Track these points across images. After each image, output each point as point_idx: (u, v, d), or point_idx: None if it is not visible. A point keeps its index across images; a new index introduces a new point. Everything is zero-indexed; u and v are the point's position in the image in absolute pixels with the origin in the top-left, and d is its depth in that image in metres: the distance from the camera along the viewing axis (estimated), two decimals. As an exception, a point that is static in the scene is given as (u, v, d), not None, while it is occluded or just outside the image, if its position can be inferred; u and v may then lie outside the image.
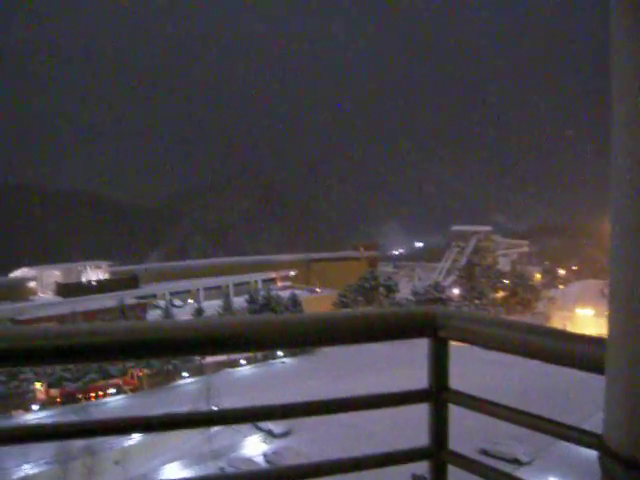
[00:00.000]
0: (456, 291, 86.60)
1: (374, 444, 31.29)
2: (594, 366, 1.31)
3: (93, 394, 51.67)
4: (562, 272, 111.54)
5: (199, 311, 65.32)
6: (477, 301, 79.71)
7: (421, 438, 1.90)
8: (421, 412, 1.91)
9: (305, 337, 1.74)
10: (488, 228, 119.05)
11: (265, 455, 35.95)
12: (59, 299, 73.08)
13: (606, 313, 1.01)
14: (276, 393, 42.63)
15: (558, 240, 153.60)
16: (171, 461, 36.73)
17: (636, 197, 0.92)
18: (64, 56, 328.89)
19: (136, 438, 37.70)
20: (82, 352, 1.48)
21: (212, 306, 68.17)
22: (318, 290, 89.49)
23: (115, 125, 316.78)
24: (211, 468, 34.15)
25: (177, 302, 78.59)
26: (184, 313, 68.19)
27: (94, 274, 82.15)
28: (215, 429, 35.91)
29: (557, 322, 70.19)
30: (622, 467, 0.95)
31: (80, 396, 50.91)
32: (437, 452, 1.85)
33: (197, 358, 55.46)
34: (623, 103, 0.94)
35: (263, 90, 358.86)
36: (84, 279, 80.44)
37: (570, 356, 1.47)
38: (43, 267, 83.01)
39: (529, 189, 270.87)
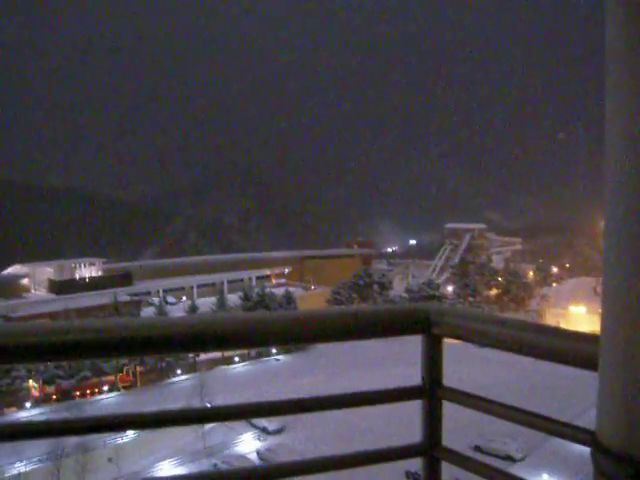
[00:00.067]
0: (450, 288, 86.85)
1: (368, 441, 31.38)
2: (587, 363, 1.31)
3: (89, 391, 51.64)
4: (555, 270, 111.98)
5: (193, 308, 65.25)
6: (471, 298, 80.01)
7: (414, 435, 1.90)
8: (415, 409, 1.91)
9: (299, 334, 1.74)
10: (482, 226, 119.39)
11: (259, 452, 36.00)
12: (52, 296, 72.83)
13: (599, 310, 1.02)
14: (270, 390, 42.71)
15: (552, 238, 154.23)
16: (165, 458, 36.73)
17: (629, 195, 0.92)
18: (58, 53, 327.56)
19: (130, 435, 37.69)
20: (75, 349, 1.48)
21: (206, 303, 68.13)
22: (312, 287, 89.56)
23: (110, 122, 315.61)
24: (205, 465, 34.18)
25: (171, 299, 78.50)
26: (178, 310, 68.07)
27: (87, 271, 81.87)
28: (209, 426, 35.93)
29: (550, 319, 70.59)
30: (614, 463, 0.95)
31: (78, 393, 50.88)
32: (430, 449, 1.85)
33: (191, 355, 55.41)
34: (617, 102, 0.95)
35: (259, 88, 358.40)
36: (77, 276, 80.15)
37: (563, 353, 1.47)
38: (36, 264, 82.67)
39: (523, 187, 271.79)
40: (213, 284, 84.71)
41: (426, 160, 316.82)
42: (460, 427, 21.72)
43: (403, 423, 16.74)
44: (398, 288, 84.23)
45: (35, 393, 50.97)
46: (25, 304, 68.88)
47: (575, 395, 33.61)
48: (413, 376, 1.89)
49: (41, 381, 50.19)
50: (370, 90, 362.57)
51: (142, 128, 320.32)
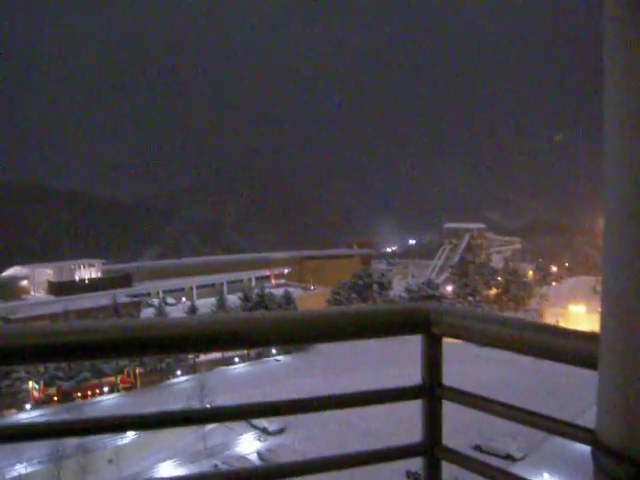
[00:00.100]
0: (449, 288, 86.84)
1: (368, 441, 31.39)
2: (587, 362, 1.31)
3: (90, 392, 51.65)
4: (555, 269, 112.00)
5: (193, 309, 65.22)
6: (470, 298, 79.99)
7: (415, 435, 1.90)
8: (415, 409, 1.91)
9: (298, 334, 1.73)
10: (481, 225, 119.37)
11: (259, 453, 35.98)
12: (52, 298, 72.74)
13: (598, 309, 1.02)
14: (270, 390, 42.71)
15: (551, 237, 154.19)
16: (165, 459, 36.69)
17: (629, 195, 0.93)
18: (57, 55, 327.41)
19: (130, 437, 37.67)
20: (75, 350, 1.47)
21: (206, 304, 68.09)
22: (312, 287, 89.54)
23: (109, 124, 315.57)
24: (205, 466, 34.16)
25: (171, 300, 78.47)
26: (178, 311, 68.02)
27: (87, 272, 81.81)
28: (209, 427, 35.91)
29: (550, 318, 70.57)
30: (615, 461, 0.95)
31: (80, 394, 50.89)
32: (431, 448, 1.85)
33: (191, 356, 55.39)
34: (614, 102, 0.95)
35: (259, 90, 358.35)
36: (77, 277, 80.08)
37: (563, 352, 1.47)
38: (35, 266, 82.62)
39: (522, 186, 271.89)
40: (213, 285, 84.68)
41: (426, 160, 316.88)
42: (460, 427, 21.75)
43: (403, 423, 16.74)
44: (397, 288, 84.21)
45: (36, 395, 50.94)
46: (25, 306, 68.80)
47: (575, 394, 33.63)
48: (413, 376, 1.89)
49: (42, 382, 50.16)
50: (370, 90, 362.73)
51: (142, 129, 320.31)
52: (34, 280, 79.16)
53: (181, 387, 49.09)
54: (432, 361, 1.84)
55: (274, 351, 58.80)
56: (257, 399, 1.85)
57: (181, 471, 34.07)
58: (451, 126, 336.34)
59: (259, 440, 38.02)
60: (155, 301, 73.97)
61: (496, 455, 31.73)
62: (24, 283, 78.90)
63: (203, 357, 56.85)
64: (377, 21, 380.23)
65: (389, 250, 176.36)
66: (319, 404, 1.80)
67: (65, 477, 32.82)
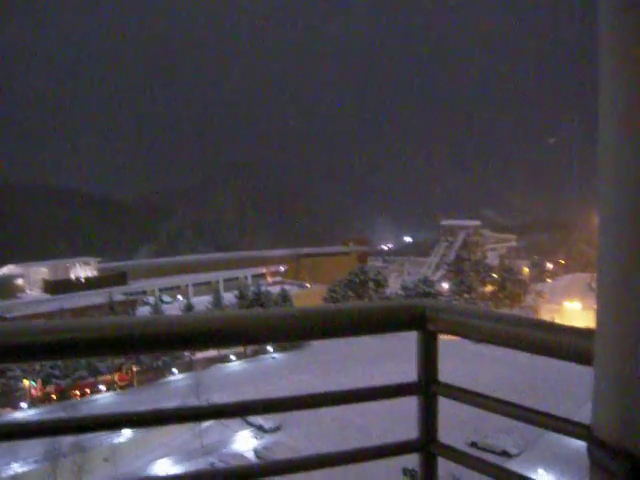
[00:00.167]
0: (445, 285, 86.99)
1: (364, 438, 31.48)
2: (582, 358, 1.32)
3: (88, 390, 51.68)
4: (550, 266, 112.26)
5: (189, 307, 65.19)
6: (466, 295, 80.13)
7: (411, 431, 1.91)
8: (411, 405, 1.91)
9: (295, 331, 1.74)
10: (477, 223, 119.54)
11: (256, 450, 36.00)
12: (47, 296, 72.60)
13: (594, 306, 1.02)
14: (267, 388, 42.75)
15: (546, 234, 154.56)
16: (161, 457, 36.70)
17: (624, 191, 0.93)
18: (51, 54, 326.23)
19: (126, 435, 37.66)
20: (70, 348, 1.47)
21: (202, 302, 68.02)
22: (308, 285, 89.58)
23: (105, 121, 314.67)
24: (201, 464, 34.16)
25: (166, 298, 78.40)
26: (174, 309, 67.99)
27: (82, 271, 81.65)
28: (205, 425, 35.91)
29: (545, 315, 70.74)
30: (610, 456, 0.95)
31: (77, 392, 50.88)
32: (427, 445, 1.86)
33: (187, 354, 55.39)
34: (610, 99, 0.95)
35: (255, 87, 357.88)
36: (72, 276, 79.91)
37: (559, 348, 1.48)
38: (30, 264, 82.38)
39: (518, 183, 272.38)
40: (209, 283, 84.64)
41: (421, 157, 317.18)
42: (456, 423, 21.81)
43: (399, 420, 16.78)
44: (393, 285, 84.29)
45: (34, 393, 50.89)
46: (20, 304, 68.65)
47: (571, 390, 33.77)
48: (409, 372, 1.89)
49: (40, 381, 50.10)
50: (365, 88, 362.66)
51: (137, 127, 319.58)
52: (29, 279, 78.96)
53: (177, 385, 49.07)
54: (428, 358, 1.85)
55: (270, 348, 58.82)
56: (253, 396, 1.85)
57: (177, 469, 34.08)
58: (447, 124, 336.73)
59: (255, 438, 38.04)
60: (151, 299, 73.92)
61: (492, 451, 31.84)
62: (19, 281, 78.67)
63: (199, 355, 56.86)
64: (371, 16, 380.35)
65: (385, 247, 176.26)
66: (315, 401, 1.80)
67: (61, 476, 32.78)
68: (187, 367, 56.18)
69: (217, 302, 66.09)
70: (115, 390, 52.86)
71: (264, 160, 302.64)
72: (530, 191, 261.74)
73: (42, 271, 79.91)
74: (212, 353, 56.97)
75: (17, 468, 34.24)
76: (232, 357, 58.48)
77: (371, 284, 78.74)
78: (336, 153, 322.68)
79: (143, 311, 66.11)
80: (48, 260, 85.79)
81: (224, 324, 1.63)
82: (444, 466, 1.91)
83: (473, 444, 32.62)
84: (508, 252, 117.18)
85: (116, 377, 53.96)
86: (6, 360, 1.58)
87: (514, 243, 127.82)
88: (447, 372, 2.05)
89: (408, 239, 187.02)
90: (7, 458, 33.96)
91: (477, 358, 48.87)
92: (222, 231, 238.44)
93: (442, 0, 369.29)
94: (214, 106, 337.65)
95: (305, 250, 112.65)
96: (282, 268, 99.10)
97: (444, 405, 1.89)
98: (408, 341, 1.94)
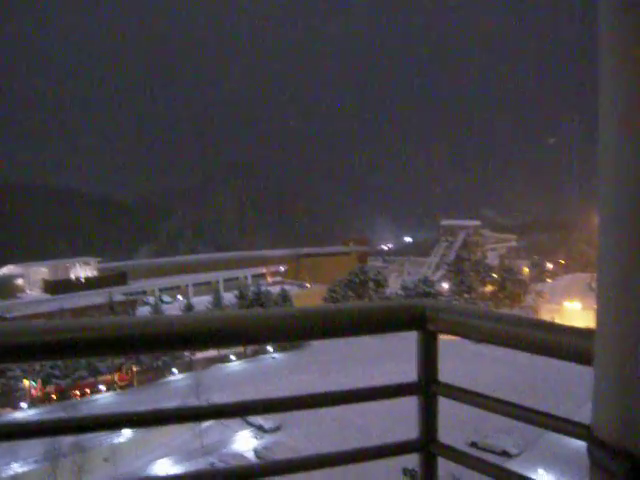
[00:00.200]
0: (445, 285, 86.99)
1: (364, 438, 31.48)
2: (582, 358, 1.32)
3: (89, 390, 51.72)
4: (550, 266, 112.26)
5: (189, 307, 65.19)
6: (466, 295, 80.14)
7: (411, 431, 1.91)
8: (411, 405, 1.91)
9: (295, 331, 1.74)
10: (477, 223, 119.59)
11: (256, 450, 36.00)
12: (47, 296, 72.60)
13: (594, 306, 1.02)
14: (267, 388, 42.75)
15: (546, 234, 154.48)
16: (161, 457, 36.70)
17: (624, 191, 0.93)
18: (51, 55, 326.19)
19: (126, 435, 37.65)
20: (70, 348, 1.48)
21: (202, 302, 68.02)
22: (308, 285, 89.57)
23: (105, 121, 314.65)
24: (202, 464, 34.16)
25: (166, 298, 78.39)
26: (174, 309, 67.98)
27: (82, 271, 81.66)
28: (205, 425, 35.91)
29: (545, 315, 70.74)
30: (610, 456, 0.95)
31: (78, 392, 50.91)
32: (427, 445, 1.85)
33: (187, 354, 55.38)
34: (610, 99, 0.95)
35: (254, 87, 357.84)
36: (72, 276, 79.91)
37: (559, 348, 1.48)
38: (30, 264, 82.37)
39: (518, 184, 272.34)
40: (209, 283, 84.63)
41: (421, 157, 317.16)
42: (456, 423, 21.80)
43: (400, 419, 16.78)
44: (394, 285, 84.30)
45: (35, 392, 50.91)
46: (20, 304, 68.65)
47: (571, 390, 33.76)
48: (409, 372, 1.89)
49: (41, 381, 50.12)
50: (365, 88, 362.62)
51: (136, 127, 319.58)
52: (29, 279, 78.96)
53: (177, 385, 49.07)
54: (428, 358, 1.85)
55: (270, 348, 58.82)
56: (253, 396, 1.85)
57: (177, 469, 34.07)
58: (446, 123, 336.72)
59: (255, 438, 38.04)
60: (151, 299, 73.90)
61: (492, 451, 31.84)
62: (19, 282, 78.68)
63: (199, 355, 56.85)
64: (371, 16, 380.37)
65: (385, 247, 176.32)
66: (315, 401, 1.80)
67: (61, 476, 32.78)
68: (187, 367, 56.18)
69: (217, 302, 66.10)
70: (115, 390, 52.86)
71: (264, 160, 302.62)
72: (530, 191, 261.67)
73: (42, 271, 79.91)
74: (212, 353, 56.94)
75: (17, 468, 34.24)
76: (232, 357, 58.47)
77: (371, 284, 78.74)
78: (336, 153, 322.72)
79: (143, 311, 66.10)
80: (48, 260, 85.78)
81: (224, 324, 1.63)
82: (444, 466, 1.91)
83: (473, 444, 32.61)
84: (508, 252, 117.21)
85: (116, 377, 53.96)
86: (6, 360, 1.58)
87: (514, 243, 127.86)
88: (447, 372, 2.05)
89: (408, 239, 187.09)
90: (7, 458, 33.95)
91: (477, 358, 48.86)
92: (222, 231, 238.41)
93: (442, 0, 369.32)
94: (214, 106, 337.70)
95: (305, 250, 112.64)
96: (282, 268, 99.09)
97: (444, 405, 1.89)
98: (408, 341, 1.94)
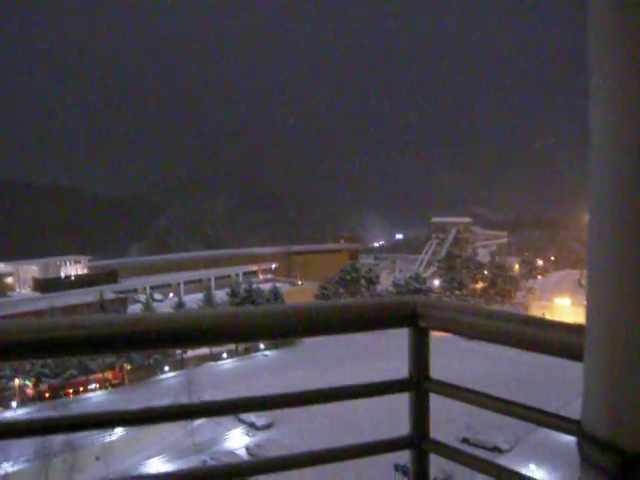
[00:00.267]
0: (436, 282, 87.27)
1: (356, 434, 31.49)
2: (573, 353, 1.33)
3: (81, 388, 51.53)
4: (541, 263, 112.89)
5: (180, 305, 64.98)
6: (457, 292, 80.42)
7: (403, 428, 1.91)
8: (403, 402, 1.92)
9: (286, 328, 1.74)
10: (468, 220, 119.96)
11: (248, 448, 35.98)
12: (37, 294, 72.17)
13: (583, 302, 1.03)
14: (259, 385, 42.72)
15: (537, 231, 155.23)
16: (153, 456, 36.60)
17: (613, 189, 0.93)
18: (51, 55, 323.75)
19: (117, 433, 37.52)
20: (61, 346, 1.47)
21: (193, 300, 67.85)
22: (299, 282, 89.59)
23: (96, 120, 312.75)
24: (194, 462, 34.11)
25: (158, 296, 78.12)
26: (165, 307, 67.74)
27: (73, 269, 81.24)
28: (197, 423, 35.86)
29: (536, 311, 71.12)
30: (600, 451, 0.96)
31: (71, 390, 50.72)
32: (418, 441, 1.86)
33: (178, 352, 55.21)
34: (600, 97, 0.96)
35: (248, 85, 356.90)
36: (62, 274, 79.48)
37: (549, 344, 1.49)
38: (20, 262, 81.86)
39: (509, 181, 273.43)
40: (200, 280, 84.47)
41: (412, 155, 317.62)
42: (448, 419, 21.89)
43: (392, 416, 16.82)
44: (385, 282, 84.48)
45: (29, 392, 50.67)
46: (9, 303, 68.16)
47: (561, 385, 33.96)
48: (400, 369, 1.89)
49: (34, 380, 49.85)
50: (356, 86, 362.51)
51: (128, 125, 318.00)
52: (19, 277, 78.48)
53: (169, 383, 48.92)
54: (419, 354, 1.85)
55: (262, 346, 58.79)
56: (245, 394, 1.85)
57: (170, 467, 34.00)
58: (437, 121, 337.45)
59: (247, 435, 38.04)
60: (142, 297, 73.63)
61: (483, 447, 31.98)
62: (9, 280, 78.20)
63: (191, 353, 56.71)
64: (362, 20, 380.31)
65: (376, 245, 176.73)
66: (307, 398, 1.80)
67: (52, 475, 32.64)
68: (179, 365, 56.05)
69: (209, 300, 65.95)
70: (107, 389, 52.66)
71: (255, 158, 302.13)
72: (521, 188, 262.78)
73: (32, 269, 79.44)
74: (204, 351, 56.86)
75: (8, 467, 34.04)
76: (224, 355, 58.39)
77: (363, 281, 78.87)
78: (327, 151, 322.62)
79: (134, 309, 65.84)
80: (38, 258, 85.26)
81: (215, 322, 1.63)
82: (436, 462, 1.92)
83: (465, 440, 32.75)
84: (499, 249, 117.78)
85: (110, 375, 53.80)
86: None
87: (505, 240, 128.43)
88: (439, 369, 2.06)
89: (399, 236, 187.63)
90: (-2, 457, 33.77)
91: (468, 354, 49.07)
92: (213, 229, 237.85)
93: (442, 1, 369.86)
94: (205, 105, 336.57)
95: (296, 247, 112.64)
96: (273, 265, 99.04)
97: (436, 401, 1.90)
98: (400, 338, 1.95)
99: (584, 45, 0.97)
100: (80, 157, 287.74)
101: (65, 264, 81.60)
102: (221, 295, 68.72)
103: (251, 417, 37.96)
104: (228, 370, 53.99)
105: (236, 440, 37.56)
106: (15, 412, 45.96)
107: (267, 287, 71.59)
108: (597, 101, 0.96)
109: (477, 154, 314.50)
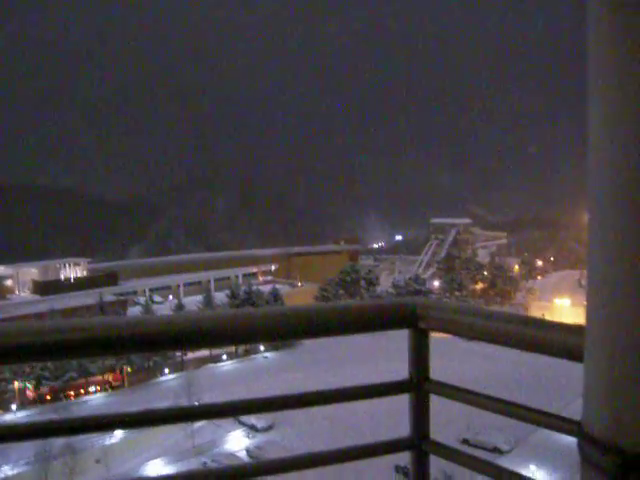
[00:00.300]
0: (436, 283, 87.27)
1: (357, 436, 31.48)
2: (573, 354, 1.33)
3: (83, 390, 51.54)
4: (540, 263, 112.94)
5: (180, 307, 64.94)
6: (457, 293, 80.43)
7: (403, 429, 1.91)
8: (403, 403, 1.92)
9: (286, 330, 1.73)
10: (467, 221, 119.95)
11: (248, 450, 35.96)
12: (37, 297, 72.07)
13: (583, 303, 1.03)
14: (259, 387, 42.73)
15: (536, 232, 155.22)
16: (153, 458, 36.56)
17: (613, 189, 0.93)
18: (51, 54, 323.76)
19: (118, 436, 37.48)
20: (60, 349, 1.46)
21: (193, 302, 67.79)
22: (299, 284, 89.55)
23: (96, 122, 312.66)
24: (194, 464, 34.09)
25: (157, 298, 78.06)
26: (165, 309, 67.72)
27: (72, 271, 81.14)
28: (197, 425, 35.83)
29: (535, 312, 71.11)
30: (601, 452, 0.96)
31: (72, 392, 50.71)
32: (419, 442, 1.86)
33: (178, 354, 55.20)
34: (599, 97, 0.96)
35: (247, 87, 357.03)
36: (62, 277, 79.40)
37: (549, 344, 1.49)
38: (19, 265, 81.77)
39: (508, 182, 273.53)
40: (199, 282, 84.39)
41: (411, 156, 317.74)
42: (448, 420, 21.89)
43: (392, 417, 16.83)
44: (385, 284, 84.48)
45: (30, 394, 50.64)
46: (9, 305, 68.09)
47: (561, 386, 33.98)
48: (400, 370, 1.89)
49: (34, 382, 49.82)
50: (354, 87, 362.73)
51: (127, 127, 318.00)
52: (18, 279, 78.39)
53: (169, 385, 48.89)
54: (419, 355, 1.85)
55: (262, 348, 58.75)
56: (245, 396, 1.85)
57: (170, 470, 33.97)
58: (437, 121, 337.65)
59: (248, 437, 38.01)
60: (142, 299, 73.58)
61: (484, 448, 31.98)
62: (8, 282, 78.10)
63: (191, 355, 56.68)
64: (362, 20, 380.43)
65: (376, 246, 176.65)
66: (307, 400, 1.80)
67: (52, 478, 32.59)
68: (179, 367, 56.00)
69: (208, 302, 65.92)
70: (107, 391, 52.64)
71: (255, 160, 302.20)
72: (520, 189, 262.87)
73: (32, 272, 79.33)
74: (204, 353, 56.83)
75: (8, 470, 34.00)
76: (224, 357, 58.36)
77: (362, 282, 78.87)
78: (327, 152, 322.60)
79: (134, 311, 65.79)
80: (38, 261, 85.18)
81: (215, 324, 1.62)
82: (436, 463, 1.92)
83: (465, 441, 32.75)
84: (498, 249, 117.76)
85: (110, 377, 53.81)
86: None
87: (504, 240, 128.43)
88: (438, 370, 2.06)
89: (399, 237, 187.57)
90: (-2, 460, 33.74)
91: (468, 355, 49.06)
92: (213, 231, 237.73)
93: (442, 0, 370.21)
94: (204, 106, 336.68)
95: (296, 249, 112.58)
96: (273, 267, 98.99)
97: (436, 402, 1.90)
98: (400, 339, 1.95)
99: (584, 45, 0.97)
100: (79, 158, 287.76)
101: (65, 266, 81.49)
102: (221, 297, 68.69)
103: (251, 419, 37.93)
104: (228, 372, 53.96)
105: (236, 442, 37.54)
106: (15, 415, 45.95)
107: (267, 289, 71.56)
108: (596, 101, 0.96)
109: (477, 154, 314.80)
